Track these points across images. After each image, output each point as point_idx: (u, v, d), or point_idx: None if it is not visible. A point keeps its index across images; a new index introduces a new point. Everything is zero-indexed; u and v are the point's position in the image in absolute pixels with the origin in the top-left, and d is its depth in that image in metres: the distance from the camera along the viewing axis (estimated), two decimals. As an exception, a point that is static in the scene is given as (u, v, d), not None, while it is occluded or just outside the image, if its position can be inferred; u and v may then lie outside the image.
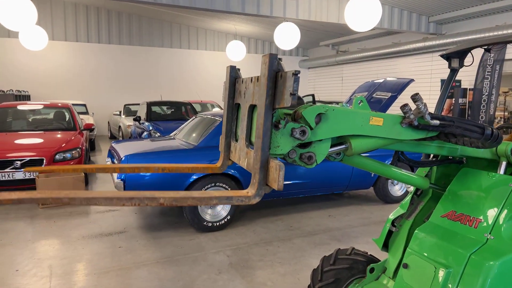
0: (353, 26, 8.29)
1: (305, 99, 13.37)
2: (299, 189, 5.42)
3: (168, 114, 10.95)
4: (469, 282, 1.73)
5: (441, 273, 1.83)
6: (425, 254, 1.94)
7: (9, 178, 5.98)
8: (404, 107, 1.66)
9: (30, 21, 7.94)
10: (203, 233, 4.82)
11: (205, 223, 4.79)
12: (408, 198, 2.47)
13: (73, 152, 6.54)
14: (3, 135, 6.86)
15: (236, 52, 14.71)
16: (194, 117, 6.25)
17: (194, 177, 4.66)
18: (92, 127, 8.15)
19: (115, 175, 4.74)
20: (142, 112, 10.46)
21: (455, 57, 2.64)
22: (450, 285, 1.78)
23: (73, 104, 11.69)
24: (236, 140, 1.86)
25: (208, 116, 5.76)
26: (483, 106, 9.69)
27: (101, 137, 16.14)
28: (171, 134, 6.29)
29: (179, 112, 10.87)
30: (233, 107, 1.89)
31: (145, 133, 8.90)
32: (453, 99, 10.87)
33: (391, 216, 2.44)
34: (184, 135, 5.68)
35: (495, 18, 10.97)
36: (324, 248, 4.38)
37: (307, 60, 19.45)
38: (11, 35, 15.04)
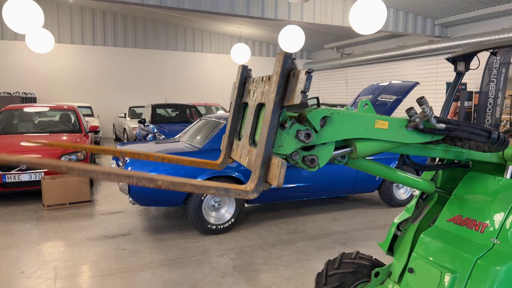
0: (358, 29, 8.27)
1: (310, 102, 13.35)
2: (303, 192, 5.40)
3: (173, 117, 10.98)
4: (475, 287, 1.71)
5: (447, 278, 1.81)
6: (431, 259, 1.92)
7: (15, 180, 6.02)
8: (409, 110, 1.66)
9: (37, 24, 8.00)
10: (207, 236, 4.81)
11: (209, 226, 4.79)
12: (414, 202, 2.45)
13: (78, 154, 6.58)
14: (10, 137, 6.91)
15: (240, 55, 14.74)
16: (198, 119, 6.26)
17: (199, 179, 4.66)
18: (97, 129, 8.18)
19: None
20: (147, 115, 10.50)
21: (461, 60, 2.63)
22: (456, 290, 1.77)
23: (78, 107, 11.78)
24: (239, 139, 1.86)
25: (212, 118, 5.77)
26: (489, 109, 9.63)
27: (106, 139, 16.22)
28: (176, 137, 6.31)
29: (184, 114, 10.90)
30: (240, 106, 1.89)
31: (150, 135, 8.93)
32: (459, 102, 10.82)
33: (396, 220, 2.43)
34: (188, 138, 5.69)
35: (500, 21, 10.92)
36: (329, 252, 4.37)
37: (311, 63, 19.44)
38: (18, 38, 15.18)
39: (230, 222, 4.91)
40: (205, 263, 4.05)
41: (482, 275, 1.71)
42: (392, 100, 5.99)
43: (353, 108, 1.80)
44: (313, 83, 20.09)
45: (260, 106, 1.65)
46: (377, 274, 2.35)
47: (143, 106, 13.54)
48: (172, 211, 5.85)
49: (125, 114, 13.70)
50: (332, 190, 5.64)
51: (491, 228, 1.84)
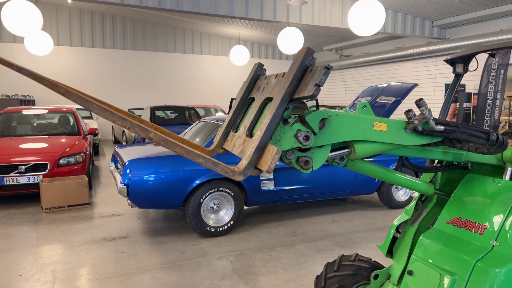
0: (357, 31, 8.28)
1: (309, 104, 13.35)
2: (302, 194, 5.39)
3: (172, 119, 10.98)
4: (475, 289, 1.70)
5: (446, 280, 1.80)
6: (430, 261, 1.92)
7: (13, 183, 6.00)
8: (408, 112, 1.65)
9: (36, 26, 7.99)
10: (206, 238, 4.80)
11: (208, 228, 4.78)
12: (413, 204, 2.45)
13: (77, 156, 6.56)
14: (8, 140, 6.90)
15: (239, 57, 14.74)
16: (197, 121, 6.26)
17: (197, 182, 4.66)
18: (96, 132, 8.18)
19: (119, 180, 4.75)
20: (146, 117, 10.49)
21: (460, 62, 2.64)
22: (455, 293, 1.76)
23: (77, 109, 11.75)
24: (236, 131, 1.86)
25: (211, 120, 5.76)
26: (488, 111, 9.64)
27: (105, 141, 16.20)
28: (175, 139, 6.29)
29: (183, 116, 10.90)
30: (246, 101, 1.89)
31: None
32: (458, 103, 10.83)
33: (396, 222, 2.42)
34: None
35: (499, 22, 10.94)
36: (328, 254, 4.36)
37: (310, 64, 19.45)
38: (16, 40, 15.17)
39: (229, 225, 4.90)
40: (204, 266, 4.03)
41: (481, 277, 1.70)
42: (391, 102, 6.00)
43: (352, 110, 1.80)
44: (312, 84, 20.08)
45: (266, 101, 1.65)
46: (376, 277, 2.35)
47: (142, 108, 13.54)
48: (171, 213, 5.84)
49: (124, 116, 13.66)
50: (331, 192, 5.63)
51: (491, 230, 1.84)
